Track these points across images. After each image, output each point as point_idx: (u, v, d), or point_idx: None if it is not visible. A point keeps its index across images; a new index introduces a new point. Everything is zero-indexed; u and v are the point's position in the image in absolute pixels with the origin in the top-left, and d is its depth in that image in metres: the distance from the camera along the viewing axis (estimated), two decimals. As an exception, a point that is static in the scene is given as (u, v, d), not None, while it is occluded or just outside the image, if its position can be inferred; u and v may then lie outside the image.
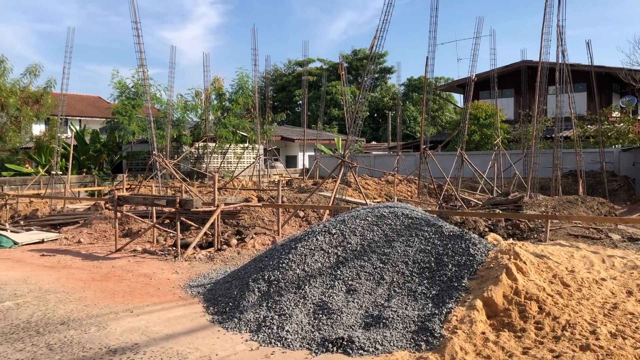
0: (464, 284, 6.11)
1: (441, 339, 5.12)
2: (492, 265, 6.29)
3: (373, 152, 38.60)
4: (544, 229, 10.82)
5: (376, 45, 13.59)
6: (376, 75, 56.76)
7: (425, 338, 5.24)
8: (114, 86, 24.15)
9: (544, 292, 5.73)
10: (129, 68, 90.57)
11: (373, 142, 51.99)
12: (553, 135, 20.98)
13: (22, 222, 14.82)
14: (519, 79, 27.92)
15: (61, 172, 20.40)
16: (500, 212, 12.86)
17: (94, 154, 25.34)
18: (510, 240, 8.03)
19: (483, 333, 5.14)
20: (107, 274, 9.09)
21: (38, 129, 27.91)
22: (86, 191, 21.86)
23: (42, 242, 12.64)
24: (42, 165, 22.49)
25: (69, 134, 24.51)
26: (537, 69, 17.34)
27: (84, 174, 23.60)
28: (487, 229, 11.87)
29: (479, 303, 5.56)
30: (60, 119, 19.45)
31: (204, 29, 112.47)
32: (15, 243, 12.27)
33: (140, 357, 5.11)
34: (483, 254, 6.67)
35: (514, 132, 29.42)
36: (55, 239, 12.87)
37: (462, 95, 39.07)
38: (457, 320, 5.40)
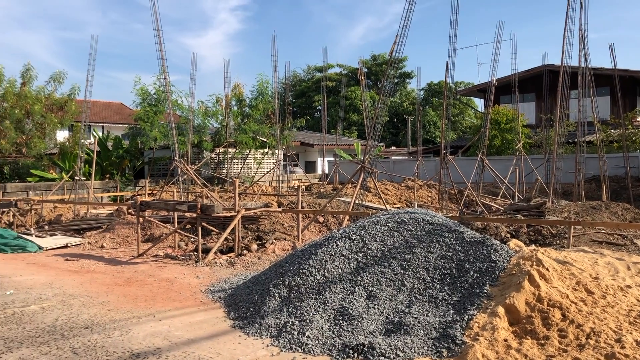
0: (485, 291, 6.03)
1: (463, 346, 5.06)
2: (514, 272, 6.21)
3: (393, 157, 38.52)
4: (566, 235, 10.65)
5: (396, 51, 13.57)
6: (396, 80, 56.66)
7: (446, 345, 5.18)
8: (136, 93, 24.47)
9: (568, 299, 5.64)
10: (150, 75, 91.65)
11: (393, 147, 51.87)
12: (575, 140, 20.68)
13: (46, 227, 15.06)
14: (541, 83, 27.61)
15: (84, 178, 20.70)
16: (522, 218, 12.71)
17: (117, 160, 25.66)
18: (533, 247, 7.91)
19: (505, 340, 5.08)
20: (130, 278, 9.19)
21: (62, 135, 28.35)
22: (109, 197, 22.13)
23: (66, 246, 12.83)
24: (66, 171, 22.84)
25: (92, 140, 24.86)
26: (558, 73, 17.14)
27: (107, 180, 23.90)
28: (508, 235, 11.75)
29: (501, 310, 5.48)
30: (84, 125, 19.74)
31: (224, 36, 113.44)
32: (40, 248, 12.47)
33: (162, 362, 5.16)
34: (505, 261, 6.59)
35: (535, 136, 29.12)
36: (79, 244, 13.05)
37: (482, 100, 38.84)
38: (478, 327, 5.34)
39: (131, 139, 26.17)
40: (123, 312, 7.00)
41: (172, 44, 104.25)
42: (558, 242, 11.12)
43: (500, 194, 20.30)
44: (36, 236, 13.65)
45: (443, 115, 19.46)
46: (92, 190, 19.15)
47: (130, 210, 14.84)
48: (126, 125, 33.39)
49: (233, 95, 27.24)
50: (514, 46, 24.47)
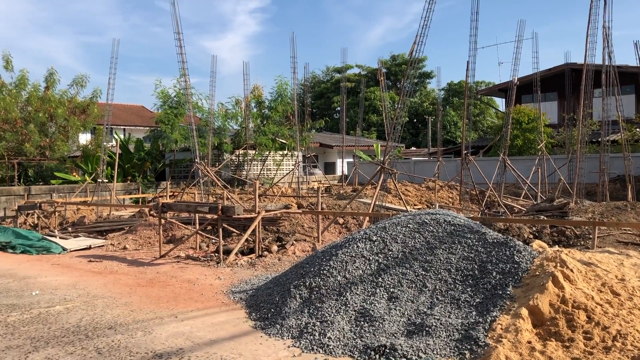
0: (508, 292, 5.98)
1: (486, 348, 5.03)
2: (537, 273, 6.15)
3: (413, 158, 38.35)
4: (591, 236, 10.51)
5: (416, 51, 13.50)
6: (415, 81, 56.37)
7: (469, 347, 5.15)
8: (157, 96, 24.73)
9: (593, 301, 5.56)
10: (170, 77, 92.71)
11: (413, 148, 51.64)
12: (599, 139, 20.34)
13: (70, 229, 15.29)
14: (563, 82, 27.16)
15: (107, 180, 20.96)
16: (545, 218, 12.54)
17: (138, 162, 25.95)
18: (556, 248, 7.80)
19: (529, 342, 5.02)
20: (152, 279, 9.29)
21: (85, 138, 28.75)
22: (131, 198, 22.38)
23: (89, 248, 13.00)
24: (89, 173, 23.15)
25: (114, 142, 25.17)
26: (581, 72, 16.89)
27: (129, 182, 24.17)
28: (531, 236, 11.62)
29: (524, 311, 5.42)
30: (106, 128, 20.00)
31: (243, 38, 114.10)
32: (64, 249, 12.66)
33: (185, 362, 5.21)
34: (528, 262, 6.52)
35: (557, 136, 28.75)
36: (102, 245, 13.22)
37: (503, 100, 38.42)
38: (502, 328, 5.29)
39: (152, 142, 26.44)
40: (146, 312, 7.08)
41: (192, 47, 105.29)
42: (582, 243, 10.97)
43: (523, 194, 20.08)
44: (60, 238, 13.86)
45: (464, 115, 19.31)
46: (114, 192, 19.39)
47: (152, 212, 14.97)
48: (147, 128, 33.72)
49: (252, 97, 27.37)
50: (536, 45, 24.12)
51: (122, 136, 29.38)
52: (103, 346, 5.71)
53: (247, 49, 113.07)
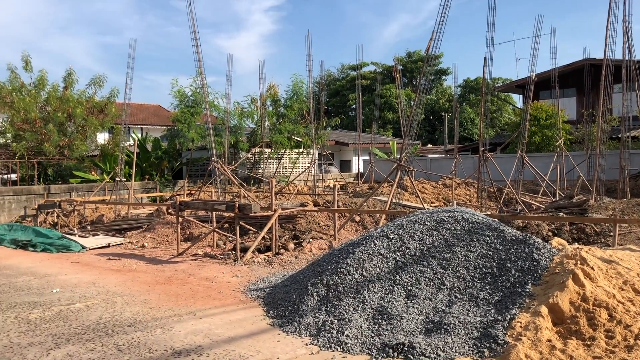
0: (527, 290, 5.90)
1: (505, 346, 4.97)
2: (557, 271, 6.06)
3: (429, 155, 38.14)
4: (611, 233, 10.34)
5: (432, 47, 13.42)
6: (432, 77, 55.98)
7: (488, 345, 5.10)
8: (174, 95, 24.85)
9: (614, 299, 5.47)
10: (187, 77, 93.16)
11: (429, 145, 51.37)
12: (619, 136, 20.05)
13: (89, 227, 15.46)
14: (582, 78, 26.85)
15: (125, 179, 21.16)
16: (565, 215, 12.40)
17: (156, 161, 26.15)
18: (576, 245, 7.69)
19: (549, 340, 4.96)
20: (170, 277, 9.35)
21: (102, 137, 29.05)
22: (148, 197, 22.56)
23: (108, 246, 13.14)
24: (107, 172, 23.39)
25: (132, 142, 25.40)
26: (600, 67, 16.74)
27: (146, 181, 24.38)
28: (550, 234, 11.50)
29: (544, 309, 5.35)
30: (124, 127, 20.18)
31: (259, 37, 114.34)
32: (84, 247, 12.80)
33: (204, 359, 5.23)
34: (547, 259, 6.42)
35: (576, 132, 28.42)
36: (120, 244, 13.34)
37: (520, 96, 37.94)
38: (521, 327, 5.22)
39: (169, 140, 26.62)
40: (164, 310, 7.13)
41: (208, 46, 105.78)
42: (603, 240, 10.83)
43: (541, 191, 19.90)
44: (79, 236, 14.02)
45: (481, 112, 19.16)
46: (132, 191, 19.56)
47: (169, 210, 15.10)
48: (164, 127, 33.98)
49: (268, 95, 27.42)
50: (554, 40, 23.94)
51: (139, 135, 29.63)
52: (123, 343, 5.76)
53: (262, 47, 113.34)
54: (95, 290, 8.43)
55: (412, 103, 14.90)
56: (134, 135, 27.55)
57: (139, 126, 39.11)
